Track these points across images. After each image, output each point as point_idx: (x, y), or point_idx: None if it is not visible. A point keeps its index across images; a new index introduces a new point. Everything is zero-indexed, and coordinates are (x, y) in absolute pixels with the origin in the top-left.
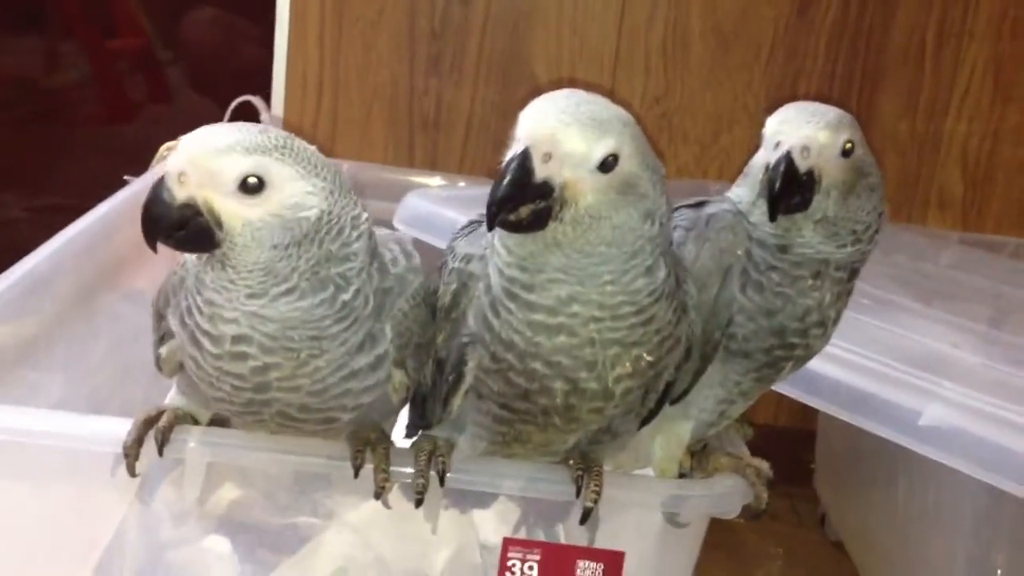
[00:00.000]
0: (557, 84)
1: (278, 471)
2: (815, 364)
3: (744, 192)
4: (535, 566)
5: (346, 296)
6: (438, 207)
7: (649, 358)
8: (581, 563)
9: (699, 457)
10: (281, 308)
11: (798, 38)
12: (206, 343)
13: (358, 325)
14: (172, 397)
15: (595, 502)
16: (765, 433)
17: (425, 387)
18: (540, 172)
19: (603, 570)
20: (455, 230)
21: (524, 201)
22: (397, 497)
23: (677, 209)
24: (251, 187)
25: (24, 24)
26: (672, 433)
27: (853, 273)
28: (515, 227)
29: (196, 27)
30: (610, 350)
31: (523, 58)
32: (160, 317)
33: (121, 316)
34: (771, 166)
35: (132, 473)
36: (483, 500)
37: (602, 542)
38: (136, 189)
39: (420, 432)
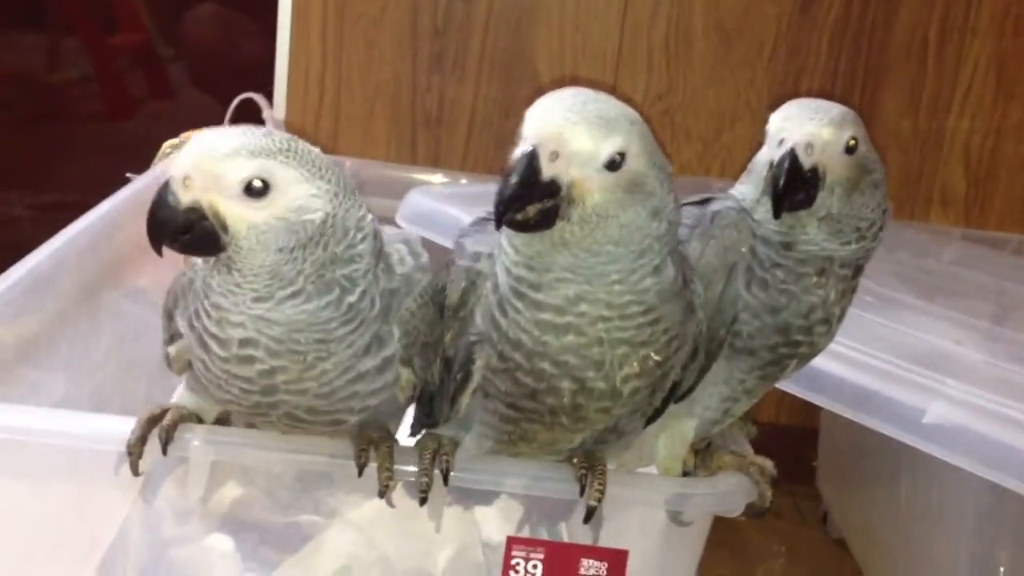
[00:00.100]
0: (559, 81)
1: (281, 469)
2: (818, 361)
3: (748, 189)
4: (539, 565)
5: (352, 298)
6: (441, 204)
7: (657, 358)
8: (585, 562)
9: (703, 455)
10: (287, 311)
11: (801, 35)
12: (214, 346)
13: (364, 327)
14: (180, 394)
15: (599, 501)
16: (767, 431)
17: (432, 385)
18: (547, 171)
19: (607, 569)
20: (460, 226)
21: (531, 200)
22: (400, 495)
23: (682, 206)
24: (256, 190)
25: (25, 21)
26: (676, 431)
27: (858, 270)
28: (522, 226)
29: (197, 23)
30: (618, 349)
31: (526, 55)
32: (170, 317)
33: (123, 314)
34: (775, 163)
35: (135, 472)
36: (486, 498)
37: (606, 540)
38: (138, 186)
39: (425, 430)
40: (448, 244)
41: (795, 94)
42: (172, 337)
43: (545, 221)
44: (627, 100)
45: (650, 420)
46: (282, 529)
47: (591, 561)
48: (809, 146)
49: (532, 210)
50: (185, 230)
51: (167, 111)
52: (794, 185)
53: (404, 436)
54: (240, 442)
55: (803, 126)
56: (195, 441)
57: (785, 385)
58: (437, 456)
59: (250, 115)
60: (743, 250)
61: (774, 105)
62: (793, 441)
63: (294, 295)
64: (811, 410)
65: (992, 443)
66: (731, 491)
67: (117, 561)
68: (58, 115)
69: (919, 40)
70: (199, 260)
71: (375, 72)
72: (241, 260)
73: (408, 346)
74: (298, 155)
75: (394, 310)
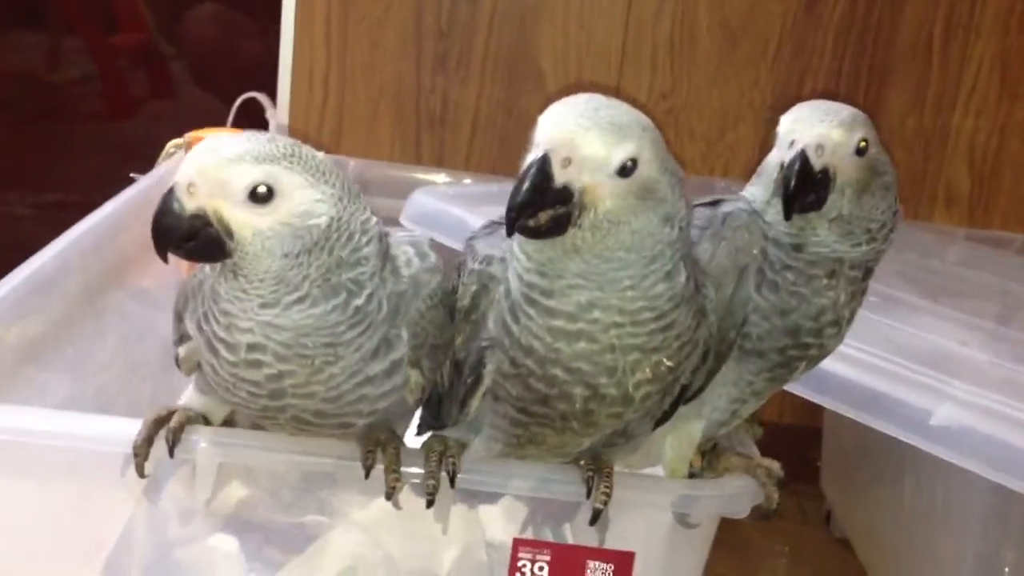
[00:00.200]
0: (564, 80)
1: (285, 470)
2: (824, 363)
3: (759, 191)
4: (545, 567)
5: (359, 301)
6: (445, 204)
7: (669, 363)
8: (591, 564)
9: (709, 457)
10: (294, 316)
11: (805, 34)
12: (222, 350)
13: (372, 330)
14: (190, 395)
15: (605, 503)
16: (771, 431)
17: (442, 388)
18: (559, 177)
19: (613, 570)
20: (466, 228)
21: (543, 207)
22: (406, 496)
23: (693, 208)
24: (261, 196)
25: (26, 21)
26: (684, 432)
27: (868, 272)
28: (534, 233)
29: (198, 22)
30: (630, 356)
31: (530, 54)
32: (180, 318)
33: (128, 315)
34: (785, 164)
35: (141, 474)
36: (490, 498)
37: (612, 542)
38: (142, 187)
39: (432, 432)
40: (452, 244)
41: (799, 93)
42: (182, 338)
43: (557, 227)
44: (631, 100)
45: (659, 423)
46: (286, 529)
47: (597, 563)
48: (820, 148)
49: (544, 216)
50: (190, 237)
51: (168, 110)
52: (805, 187)
53: (410, 435)
54: (247, 444)
55: (814, 128)
56: (202, 443)
57: (790, 386)
58: (444, 458)
59: (253, 114)
60: (754, 252)
61: (778, 104)
62: (796, 441)
63: (300, 300)
64: (814, 410)
65: (998, 444)
66: (738, 493)
67: (121, 561)
68: (59, 114)
69: (924, 39)
70: (207, 266)
71: (379, 72)
72: (247, 266)
73: (417, 348)
74: (302, 160)
75: (402, 312)
